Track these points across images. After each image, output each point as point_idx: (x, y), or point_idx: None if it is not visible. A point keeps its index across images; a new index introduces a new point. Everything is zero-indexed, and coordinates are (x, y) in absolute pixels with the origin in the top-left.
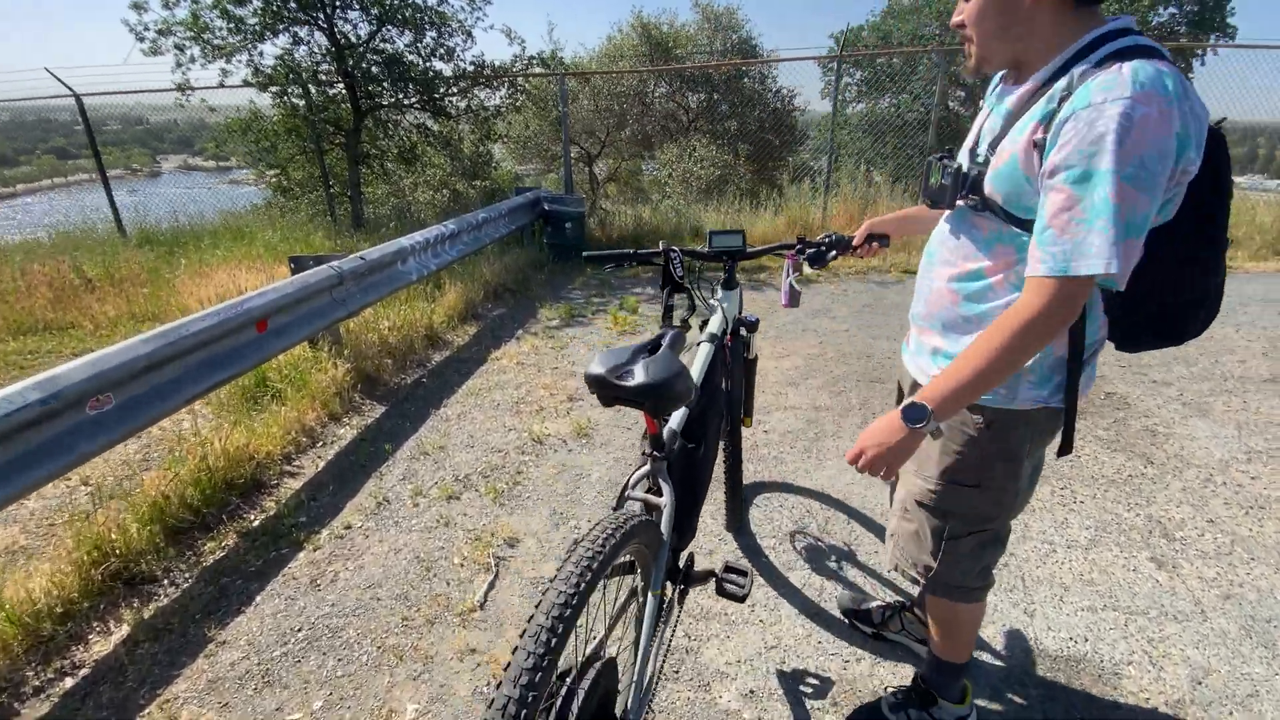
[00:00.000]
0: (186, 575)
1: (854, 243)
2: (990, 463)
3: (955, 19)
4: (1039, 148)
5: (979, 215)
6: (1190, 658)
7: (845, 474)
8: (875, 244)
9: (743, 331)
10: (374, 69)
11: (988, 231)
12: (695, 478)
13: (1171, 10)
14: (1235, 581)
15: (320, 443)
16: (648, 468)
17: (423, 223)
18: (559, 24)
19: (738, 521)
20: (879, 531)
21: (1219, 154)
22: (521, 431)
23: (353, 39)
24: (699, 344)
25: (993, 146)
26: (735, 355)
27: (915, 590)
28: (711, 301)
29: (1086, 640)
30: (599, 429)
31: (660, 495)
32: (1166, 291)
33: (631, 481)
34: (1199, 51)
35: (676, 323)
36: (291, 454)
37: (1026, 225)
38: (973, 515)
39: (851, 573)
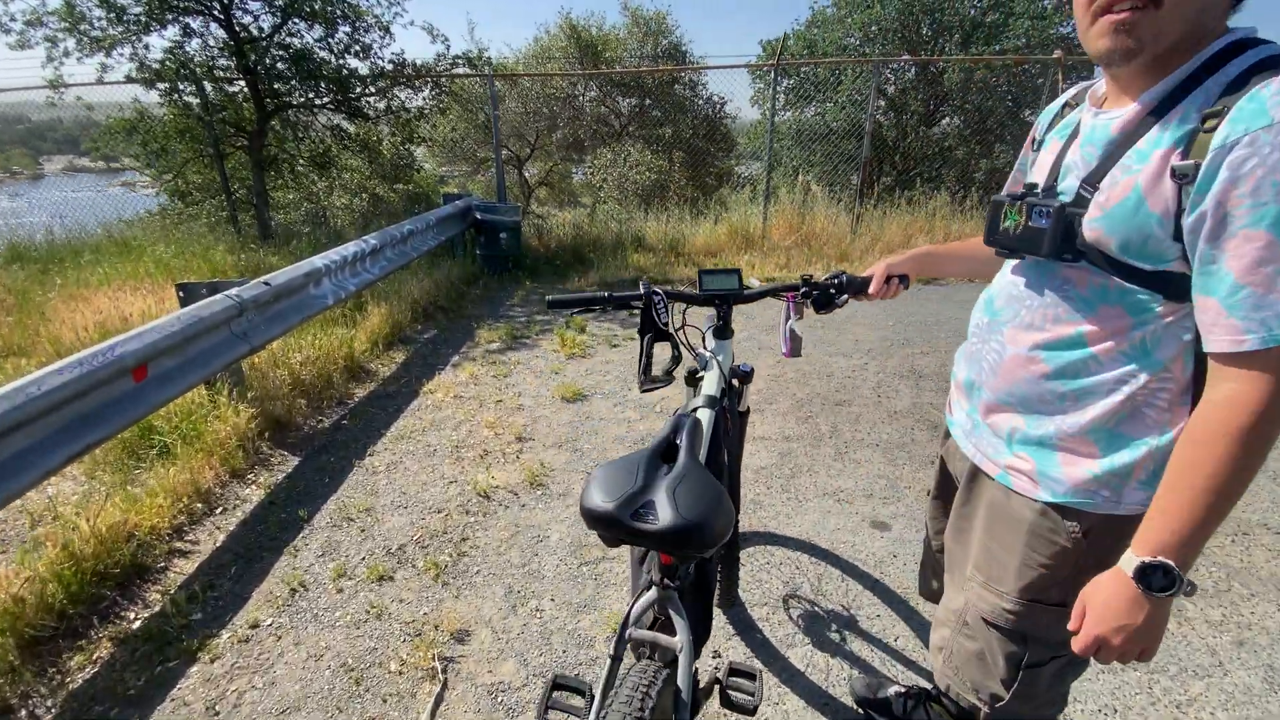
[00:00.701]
0: (48, 704)
1: (870, 288)
2: (1083, 578)
3: None
4: (1179, 177)
5: (1073, 267)
6: None
7: (828, 518)
8: (896, 283)
9: (734, 383)
10: (279, 65)
11: (1087, 288)
12: (707, 585)
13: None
14: (1243, 623)
15: (220, 509)
16: (652, 595)
17: (339, 232)
18: (479, 23)
19: (730, 598)
20: (875, 587)
21: None
22: (464, 484)
23: (254, 32)
24: (694, 409)
25: (1091, 182)
26: (731, 413)
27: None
28: (702, 353)
29: (1115, 711)
30: (555, 475)
31: (673, 633)
32: None
33: (632, 616)
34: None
35: (658, 373)
36: (183, 526)
37: (1146, 280)
38: (1058, 639)
39: (856, 645)
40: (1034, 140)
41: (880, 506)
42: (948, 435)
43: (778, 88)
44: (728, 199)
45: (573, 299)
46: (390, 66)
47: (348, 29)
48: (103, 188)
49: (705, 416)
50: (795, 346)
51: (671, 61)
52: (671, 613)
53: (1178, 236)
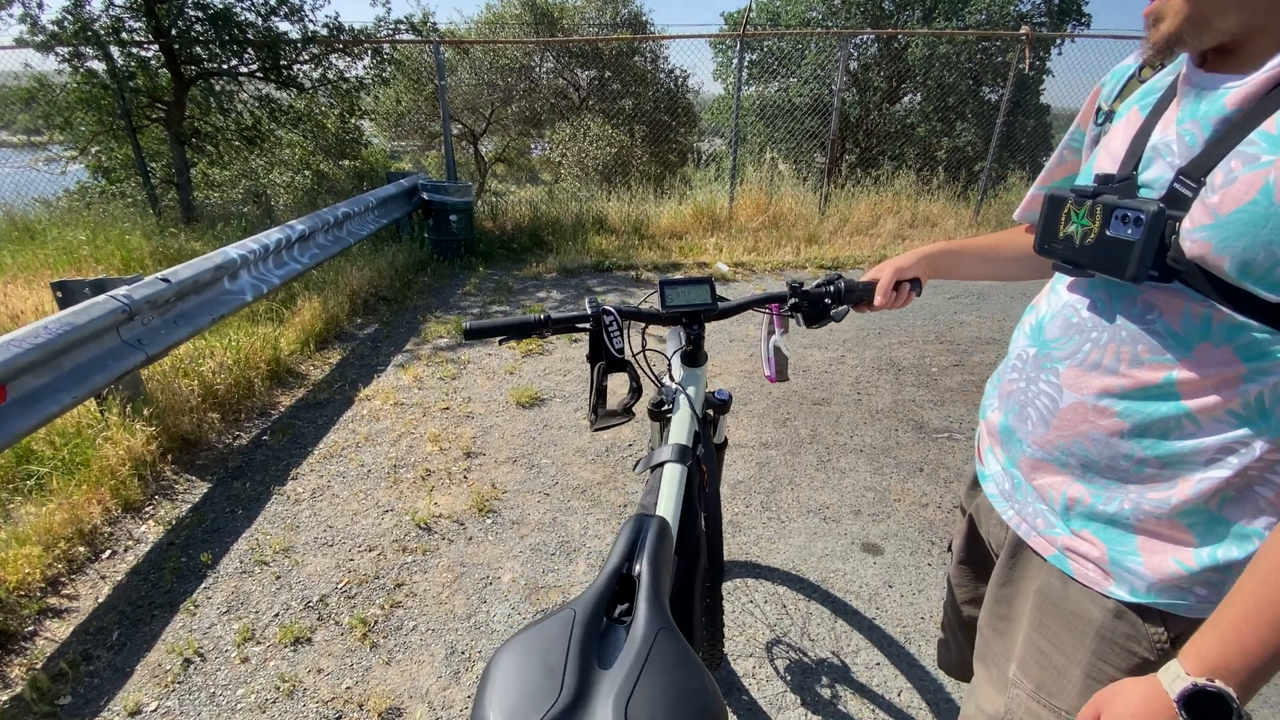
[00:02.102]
0: None
1: (877, 299)
2: None
3: None
4: None
5: (1161, 290)
6: None
7: (815, 541)
8: (908, 289)
9: (709, 413)
10: (197, 27)
11: (1182, 319)
12: None
13: (1035, 1)
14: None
15: (107, 552)
16: None
17: (277, 213)
18: None
19: (716, 660)
20: (870, 629)
21: None
22: (401, 513)
23: None
24: (662, 464)
25: (1193, 175)
26: (708, 454)
27: None
28: (668, 383)
29: None
30: (508, 498)
31: None
32: None
33: None
34: (1058, 40)
35: (615, 408)
36: (60, 577)
37: (1270, 315)
38: None
39: (853, 704)
40: (1097, 110)
41: (870, 525)
42: (975, 485)
43: (742, 62)
44: (692, 177)
45: (499, 326)
46: (325, 31)
47: None
48: (24, 165)
49: (674, 477)
50: (781, 368)
51: (631, 31)
52: None
53: None
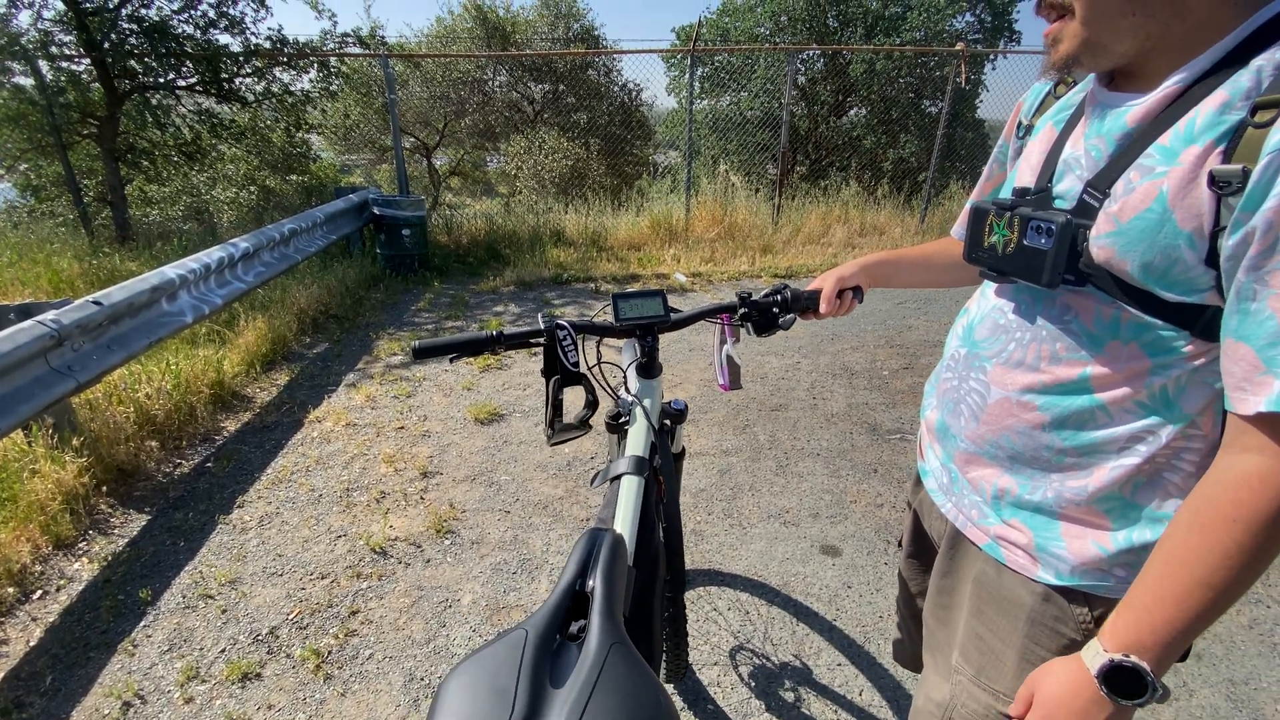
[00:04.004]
0: None
1: (821, 306)
2: None
3: None
4: (1220, 186)
5: (1076, 293)
6: None
7: (775, 545)
8: (850, 297)
9: (665, 423)
10: (132, 40)
11: (1094, 319)
12: None
13: (969, 18)
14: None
15: (38, 592)
16: None
17: (220, 230)
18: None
19: (680, 670)
20: (830, 631)
21: None
22: (355, 538)
23: (101, 2)
24: (619, 476)
25: (1098, 186)
26: (665, 464)
27: None
28: (624, 396)
29: None
30: (467, 517)
31: None
32: None
33: None
34: (991, 56)
35: (571, 421)
36: None
37: (1171, 313)
38: None
39: (816, 706)
40: (1018, 125)
41: (829, 527)
42: (918, 481)
43: (693, 76)
44: (648, 189)
45: (448, 344)
46: (267, 44)
47: (212, 0)
48: None
49: (630, 489)
50: (734, 377)
51: (583, 45)
52: None
53: (1212, 260)
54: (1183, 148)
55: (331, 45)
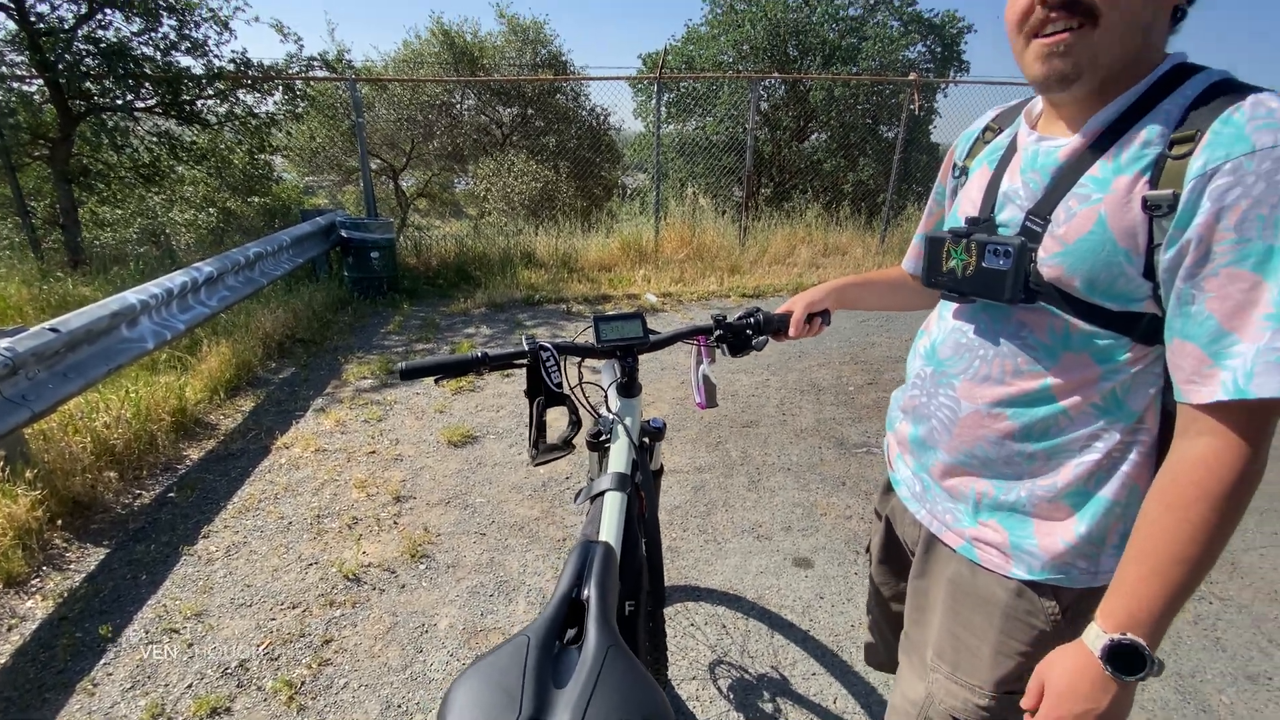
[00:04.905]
0: None
1: (790, 330)
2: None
3: None
4: (1151, 208)
5: (1028, 310)
6: None
7: (750, 559)
8: (819, 320)
9: (645, 441)
10: (88, 61)
11: (1048, 334)
12: None
13: (920, 49)
14: None
15: None
16: None
17: (178, 254)
18: (340, 23)
19: (660, 682)
20: (805, 641)
21: None
22: (327, 566)
23: (55, 23)
24: (603, 493)
25: (1040, 213)
26: (645, 481)
27: None
28: (605, 414)
29: None
30: (442, 541)
31: None
32: None
33: None
34: (942, 84)
35: (555, 441)
36: None
37: (1112, 322)
38: None
39: (792, 714)
40: (954, 166)
41: (800, 540)
42: (888, 490)
43: (660, 101)
44: (618, 211)
45: (435, 365)
46: (231, 67)
47: (174, 23)
48: None
49: (614, 505)
50: (710, 395)
51: (551, 70)
52: None
53: (1149, 273)
54: (1113, 177)
55: (298, 68)
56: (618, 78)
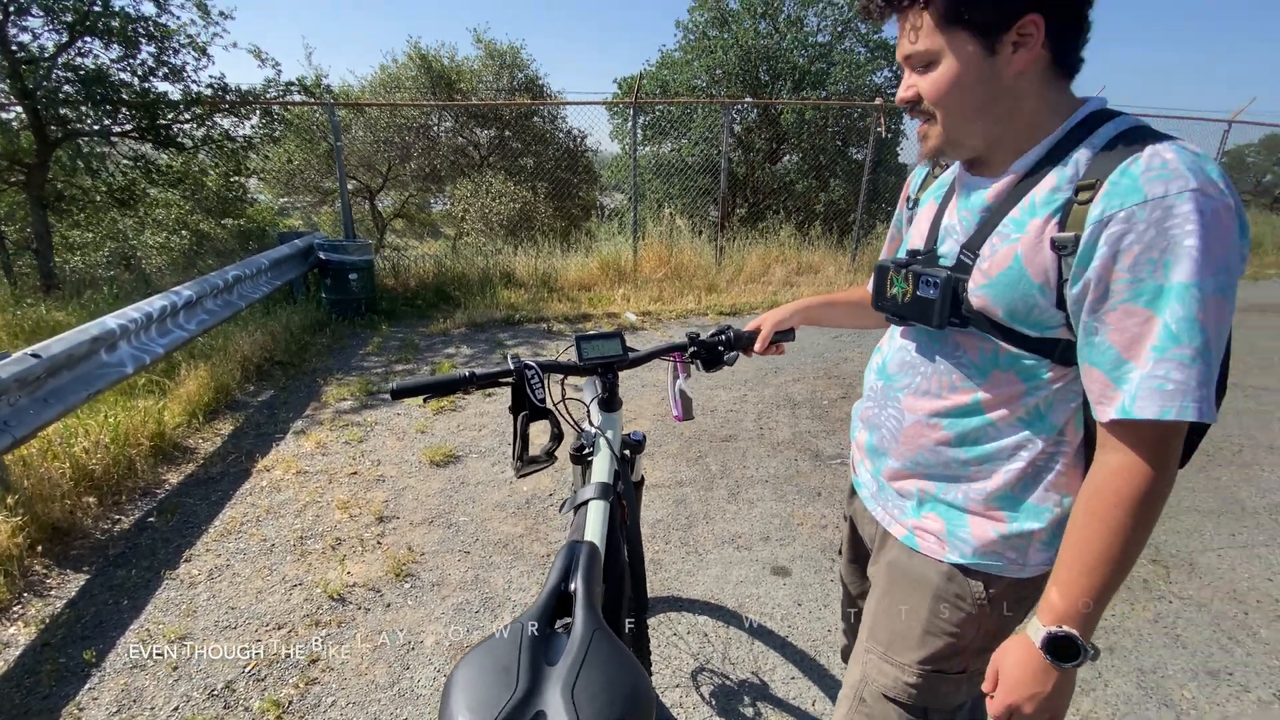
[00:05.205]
0: None
1: (756, 346)
2: (988, 645)
3: (906, 94)
4: (1059, 248)
5: (963, 333)
6: None
7: (730, 569)
8: (782, 343)
9: (626, 453)
10: (66, 88)
11: (978, 355)
12: None
13: (886, 74)
14: (1108, 628)
15: None
16: None
17: (151, 277)
18: (317, 48)
19: None
20: (784, 646)
21: None
22: (312, 587)
23: (35, 51)
24: (585, 501)
25: (970, 248)
26: (627, 490)
27: None
28: (588, 428)
29: None
30: (426, 560)
31: None
32: None
33: None
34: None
35: (538, 454)
36: None
37: (1034, 346)
38: (953, 708)
39: (773, 717)
40: (908, 198)
41: (778, 549)
42: (853, 493)
43: (636, 124)
44: (596, 231)
45: (424, 384)
46: (209, 92)
47: (153, 50)
48: None
49: (598, 511)
50: (687, 409)
51: (529, 94)
52: None
53: (1060, 304)
54: (1028, 219)
55: (276, 93)
56: (594, 102)
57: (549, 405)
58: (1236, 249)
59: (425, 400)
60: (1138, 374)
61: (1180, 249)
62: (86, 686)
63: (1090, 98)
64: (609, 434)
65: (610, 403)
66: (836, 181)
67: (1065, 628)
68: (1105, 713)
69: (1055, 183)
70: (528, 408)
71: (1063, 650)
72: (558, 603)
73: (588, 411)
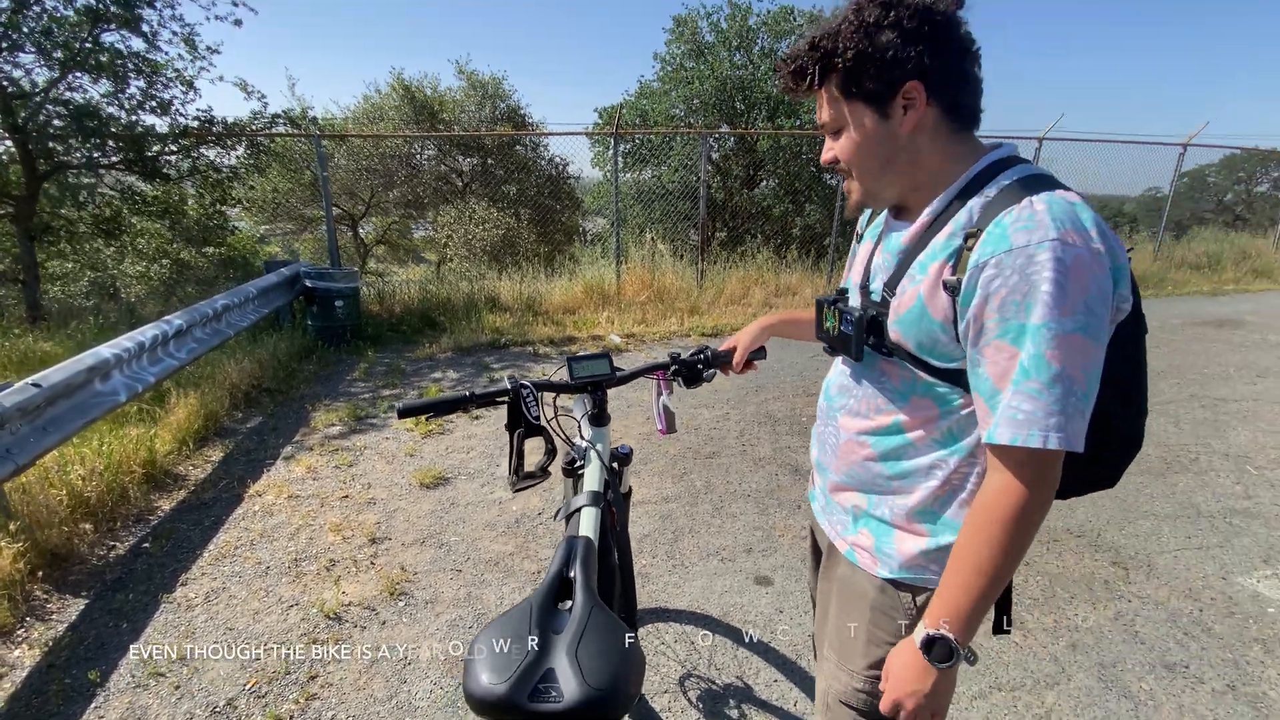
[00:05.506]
0: None
1: (734, 367)
2: None
3: (827, 156)
4: (950, 290)
5: (887, 361)
6: None
7: (715, 580)
8: (756, 360)
9: (614, 465)
10: (56, 123)
11: (900, 381)
12: None
13: None
14: (1071, 626)
15: None
16: None
17: (133, 306)
18: (300, 79)
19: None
20: (767, 652)
21: (1135, 287)
22: (308, 607)
23: (25, 86)
24: (578, 509)
25: (890, 287)
26: (616, 499)
27: None
28: (579, 442)
29: None
30: (419, 579)
31: None
32: (1100, 435)
33: None
34: None
35: (533, 469)
36: None
37: (944, 375)
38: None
39: (757, 718)
40: (858, 234)
41: (761, 560)
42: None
43: (617, 153)
44: (580, 255)
45: (428, 404)
46: (196, 124)
47: (142, 84)
48: None
49: (591, 515)
50: (670, 423)
51: (510, 123)
52: None
53: (958, 339)
54: (930, 263)
55: (261, 124)
56: (576, 133)
57: (543, 422)
58: (1100, 292)
59: (428, 418)
60: (1002, 403)
61: (1038, 293)
62: (93, 705)
63: (998, 145)
64: (599, 447)
65: (600, 418)
66: (812, 206)
67: (943, 631)
68: (1068, 705)
69: (952, 229)
70: (523, 425)
71: (939, 651)
72: (560, 586)
73: (578, 427)
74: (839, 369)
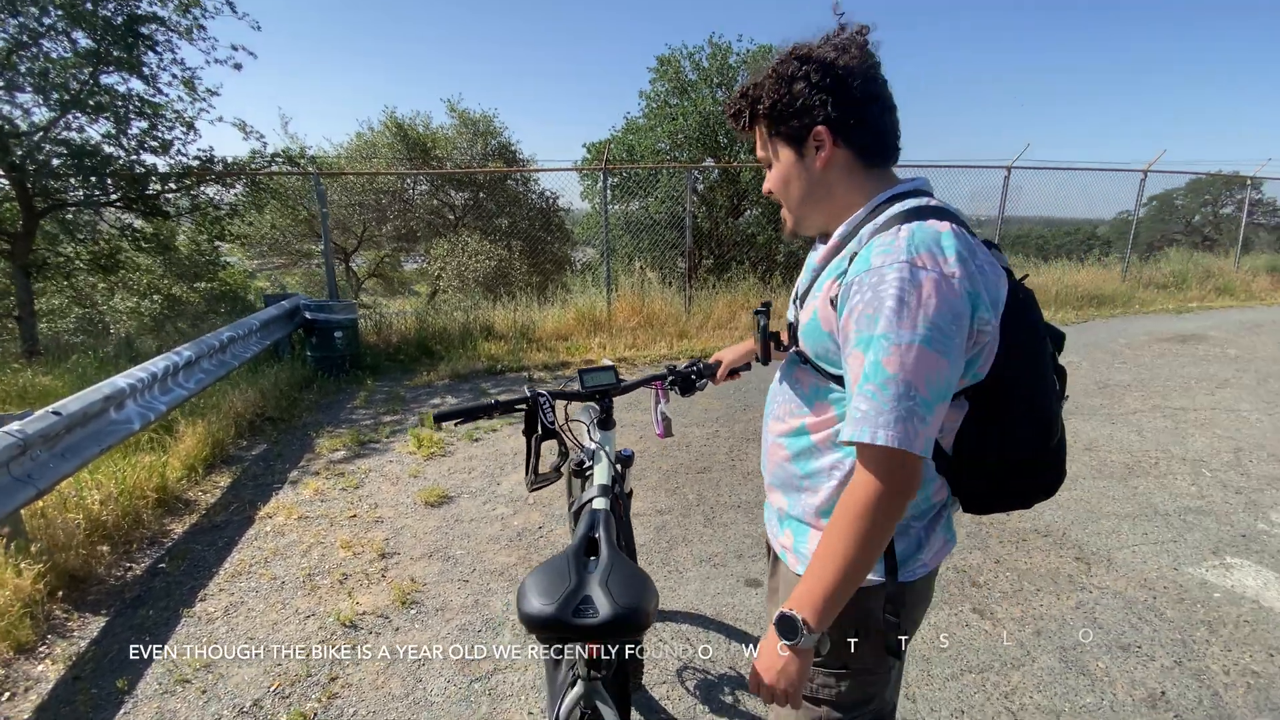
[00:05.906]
0: None
1: (717, 376)
2: (845, 642)
3: (766, 186)
4: (833, 304)
5: (800, 368)
6: (1040, 704)
7: (708, 584)
8: (739, 373)
9: (618, 467)
10: (55, 162)
11: (808, 386)
12: (626, 672)
13: None
14: (1036, 615)
15: (5, 695)
16: (579, 690)
17: (130, 340)
18: (294, 118)
19: (637, 680)
20: (754, 644)
21: (1030, 308)
22: (324, 616)
23: (23, 125)
24: (589, 502)
25: (800, 300)
26: (621, 496)
27: None
28: (589, 444)
29: (963, 712)
30: (428, 589)
31: None
32: (998, 451)
33: (562, 714)
34: None
35: (547, 470)
36: None
37: (838, 381)
38: (846, 702)
39: (749, 702)
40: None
41: (750, 564)
42: None
43: (606, 186)
44: (571, 284)
45: (459, 410)
46: (196, 163)
47: (143, 125)
48: None
49: (603, 500)
50: (667, 427)
51: (501, 159)
52: (599, 704)
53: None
54: (826, 280)
55: (260, 163)
56: (566, 169)
57: (556, 427)
58: (948, 311)
59: (458, 424)
60: (849, 404)
61: (883, 307)
62: (122, 711)
63: (907, 180)
64: (606, 448)
65: (606, 423)
66: None
67: (793, 611)
68: (1031, 683)
69: (846, 252)
70: (540, 429)
71: (787, 629)
72: (589, 545)
73: (587, 430)
74: (775, 376)
